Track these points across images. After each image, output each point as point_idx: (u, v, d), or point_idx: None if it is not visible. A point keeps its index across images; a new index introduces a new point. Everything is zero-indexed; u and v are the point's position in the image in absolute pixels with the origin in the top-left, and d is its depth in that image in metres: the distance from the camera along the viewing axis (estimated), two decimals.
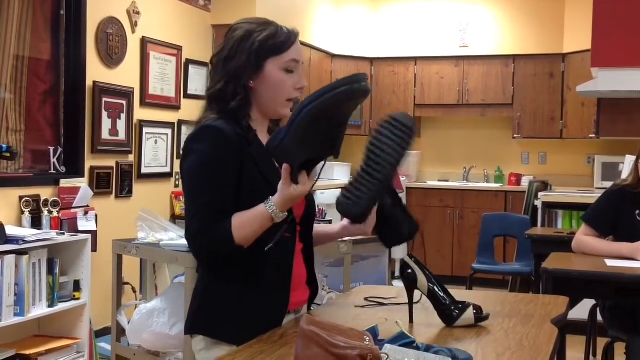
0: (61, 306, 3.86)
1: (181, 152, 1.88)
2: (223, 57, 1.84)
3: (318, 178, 1.79)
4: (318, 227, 1.99)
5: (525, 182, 7.24)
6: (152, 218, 3.62)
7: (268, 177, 1.78)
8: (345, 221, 1.94)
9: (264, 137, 1.87)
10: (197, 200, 1.74)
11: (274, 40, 1.82)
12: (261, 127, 1.88)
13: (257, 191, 1.76)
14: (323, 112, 1.64)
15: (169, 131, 5.48)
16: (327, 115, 1.66)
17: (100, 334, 4.40)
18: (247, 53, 1.81)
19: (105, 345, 4.24)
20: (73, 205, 4.32)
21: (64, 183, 4.36)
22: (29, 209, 4.06)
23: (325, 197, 5.66)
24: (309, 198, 1.93)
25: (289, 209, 1.75)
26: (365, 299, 2.11)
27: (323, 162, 1.74)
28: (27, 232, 3.76)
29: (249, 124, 1.84)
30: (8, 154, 3.99)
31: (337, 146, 1.72)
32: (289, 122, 1.66)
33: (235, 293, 1.78)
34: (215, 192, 1.73)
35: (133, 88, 5.08)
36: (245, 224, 1.71)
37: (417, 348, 1.42)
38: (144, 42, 5.18)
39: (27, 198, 4.07)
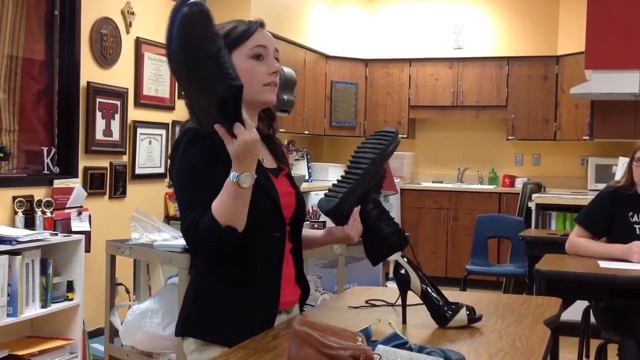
0: (54, 307, 3.85)
1: (168, 156, 1.85)
2: None
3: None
4: (303, 233, 1.98)
5: (519, 184, 7.26)
6: (145, 219, 3.62)
7: None
8: (332, 227, 1.94)
9: None
10: (186, 202, 1.74)
11: (233, 33, 1.81)
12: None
13: None
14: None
15: (163, 132, 5.47)
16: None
17: (94, 334, 4.39)
18: None
19: (98, 346, 4.23)
20: (67, 206, 4.31)
21: (58, 183, 4.35)
22: (22, 209, 4.05)
23: (319, 198, 5.66)
24: (299, 199, 1.93)
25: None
26: (367, 301, 2.10)
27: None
28: (20, 232, 3.75)
29: None
30: (1, 154, 3.99)
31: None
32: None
33: (226, 294, 1.78)
34: (204, 192, 1.72)
35: (127, 88, 5.07)
36: (219, 202, 1.66)
37: (410, 349, 1.43)
38: (139, 42, 5.17)
39: (20, 198, 4.06)
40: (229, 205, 1.65)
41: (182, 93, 1.51)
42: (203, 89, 1.58)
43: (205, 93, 1.58)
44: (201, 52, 1.56)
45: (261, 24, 1.87)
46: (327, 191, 1.89)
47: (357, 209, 1.86)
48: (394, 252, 1.91)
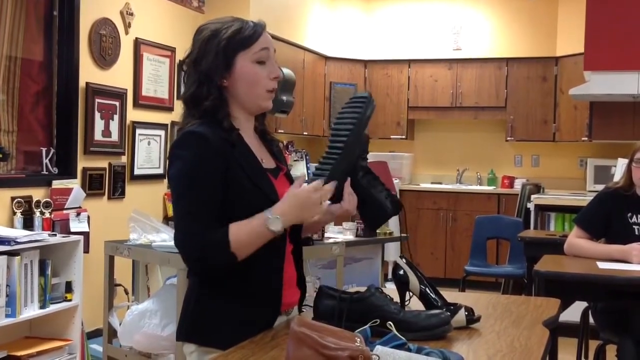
0: (53, 307, 3.84)
1: (167, 159, 1.86)
2: (193, 60, 1.82)
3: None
4: None
5: (518, 185, 7.27)
6: (144, 219, 3.61)
7: (253, 178, 1.78)
8: (330, 206, 1.94)
9: (249, 136, 1.86)
10: (183, 206, 1.74)
11: (240, 35, 1.80)
12: (246, 125, 1.87)
13: (243, 192, 1.75)
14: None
15: (162, 132, 5.47)
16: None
17: (92, 335, 4.38)
18: (215, 52, 1.78)
19: (96, 347, 4.22)
20: (65, 207, 4.31)
21: (56, 184, 4.35)
22: (20, 210, 4.04)
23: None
24: None
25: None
26: None
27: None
28: (18, 233, 3.75)
29: (231, 124, 1.81)
30: (0, 155, 3.98)
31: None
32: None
33: (227, 299, 1.77)
34: (201, 198, 1.72)
35: (126, 89, 5.07)
36: (240, 231, 1.70)
37: (409, 349, 1.42)
38: (137, 43, 5.17)
39: (19, 199, 4.06)
40: (248, 239, 1.71)
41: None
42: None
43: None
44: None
45: (263, 26, 1.87)
46: (314, 171, 1.89)
47: (348, 182, 1.86)
48: (389, 217, 1.93)
